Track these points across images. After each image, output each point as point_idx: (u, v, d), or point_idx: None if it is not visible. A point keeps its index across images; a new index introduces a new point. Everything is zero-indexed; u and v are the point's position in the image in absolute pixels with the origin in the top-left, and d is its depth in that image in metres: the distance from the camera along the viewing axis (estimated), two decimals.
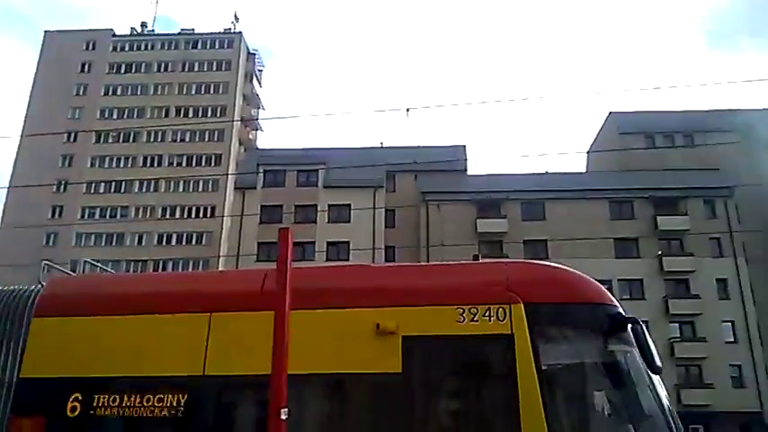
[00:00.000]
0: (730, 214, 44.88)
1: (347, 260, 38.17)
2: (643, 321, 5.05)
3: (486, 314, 4.87)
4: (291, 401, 5.37)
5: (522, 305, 4.86)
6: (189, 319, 5.20)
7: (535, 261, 5.71)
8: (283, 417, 3.50)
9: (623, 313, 5.08)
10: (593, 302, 5.13)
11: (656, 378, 4.94)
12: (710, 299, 41.12)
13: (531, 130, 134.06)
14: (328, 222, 44.28)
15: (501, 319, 4.84)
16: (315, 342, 5.01)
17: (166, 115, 62.44)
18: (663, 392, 4.97)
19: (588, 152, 57.45)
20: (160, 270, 51.34)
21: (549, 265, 5.57)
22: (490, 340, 4.84)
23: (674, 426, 4.81)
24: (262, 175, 46.11)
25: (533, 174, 48.95)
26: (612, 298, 5.26)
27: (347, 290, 5.35)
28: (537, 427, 4.51)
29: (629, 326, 4.92)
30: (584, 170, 56.07)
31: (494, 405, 4.98)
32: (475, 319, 4.87)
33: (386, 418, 4.92)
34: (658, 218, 44.57)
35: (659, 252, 42.73)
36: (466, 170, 49.61)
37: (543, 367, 4.69)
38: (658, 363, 4.84)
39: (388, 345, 4.87)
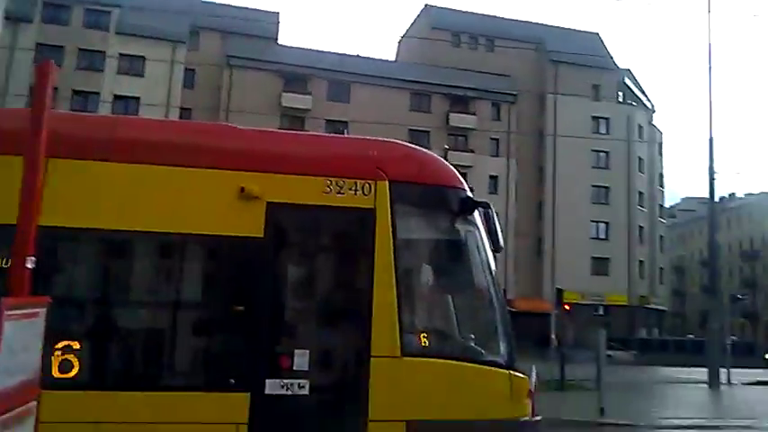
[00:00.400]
0: (511, 118, 49.56)
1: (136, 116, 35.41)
2: None
3: (353, 188, 4.95)
4: (146, 258, 5.11)
5: (386, 182, 5.00)
6: (21, 162, 4.56)
7: (401, 142, 5.80)
8: (29, 265, 3.27)
9: (473, 198, 5.41)
10: (450, 186, 5.40)
11: (491, 258, 5.43)
12: (482, 193, 45.71)
13: (350, 9, 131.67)
14: (118, 73, 40.28)
15: (366, 193, 4.95)
16: (174, 200, 4.79)
17: None
18: (494, 269, 5.49)
19: (399, 42, 58.44)
20: None
21: (413, 147, 5.71)
22: (354, 213, 4.95)
23: (500, 295, 5.51)
24: (40, 6, 39.88)
25: (343, 54, 48.78)
26: (464, 182, 5.58)
27: (211, 149, 5.04)
28: (388, 294, 4.81)
29: (480, 209, 5.33)
30: (393, 59, 57.09)
31: (351, 273, 5.20)
32: (341, 191, 4.94)
33: (245, 282, 4.87)
34: (451, 114, 47.72)
35: (446, 146, 46.05)
36: (276, 39, 47.77)
37: (399, 241, 4.93)
38: (501, 243, 5.33)
39: (252, 209, 4.79)
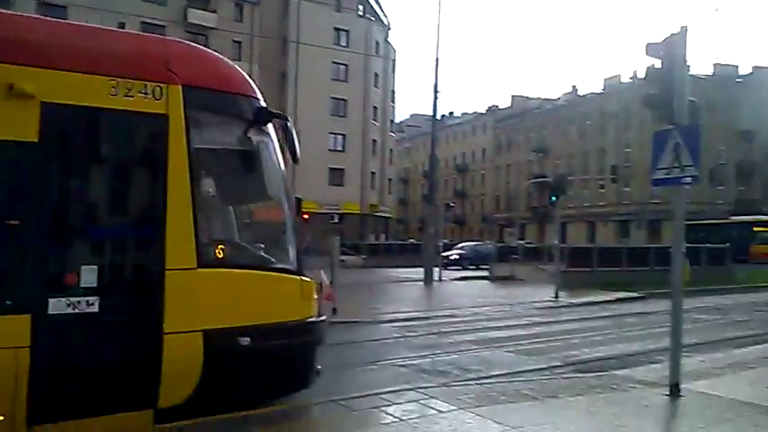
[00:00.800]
0: (254, 21, 47.83)
1: None
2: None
3: (143, 91, 4.59)
4: None
5: (180, 87, 4.71)
6: None
7: (196, 44, 5.57)
8: None
9: (270, 109, 5.40)
10: (246, 94, 5.31)
11: (284, 169, 5.57)
12: None
13: None
14: None
15: (157, 97, 4.62)
16: None
17: None
18: (287, 179, 5.68)
19: None
20: None
21: (207, 51, 5.48)
22: (144, 118, 4.62)
23: (291, 205, 5.74)
24: None
25: None
26: (259, 92, 5.48)
27: None
28: (182, 205, 4.63)
29: (278, 120, 5.41)
30: None
31: (143, 183, 4.89)
32: (130, 94, 4.53)
33: (18, 192, 4.30)
34: (189, 9, 44.40)
35: None
36: None
37: (194, 150, 4.73)
38: (299, 155, 5.42)
39: (23, 110, 4.19)
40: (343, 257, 21.29)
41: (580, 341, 11.25)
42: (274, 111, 5.49)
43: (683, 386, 6.39)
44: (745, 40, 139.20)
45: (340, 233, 26.30)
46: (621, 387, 6.83)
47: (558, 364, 9.08)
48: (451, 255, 36.77)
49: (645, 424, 5.63)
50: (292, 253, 5.54)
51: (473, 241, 47.96)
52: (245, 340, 4.84)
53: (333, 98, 52.51)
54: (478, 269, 32.59)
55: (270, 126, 5.47)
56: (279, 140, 5.54)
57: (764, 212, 48.55)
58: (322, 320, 5.75)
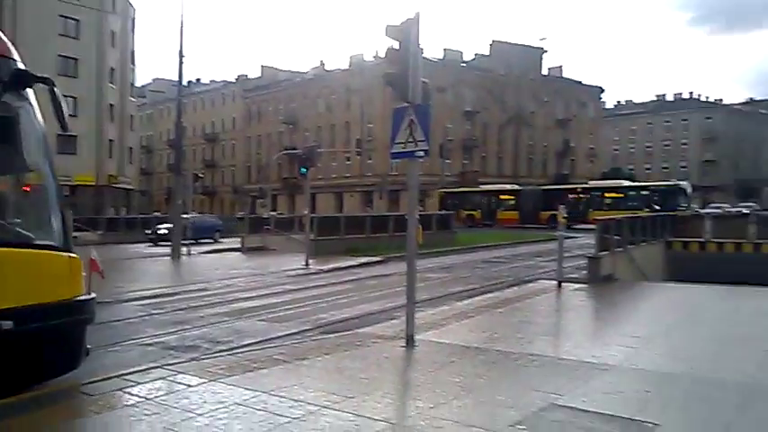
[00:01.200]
0: None
1: None
2: None
3: None
4: None
5: None
6: None
7: None
8: None
9: (32, 72, 5.07)
10: (3, 55, 4.96)
11: (47, 138, 5.32)
12: None
13: None
14: None
15: None
16: None
17: None
18: (51, 148, 5.43)
19: None
20: None
21: None
22: None
23: (56, 177, 5.46)
24: None
25: None
26: (16, 53, 5.09)
27: None
28: None
29: (39, 85, 5.09)
30: None
31: None
32: None
33: None
34: None
35: None
36: None
37: None
38: (67, 122, 5.21)
39: None
40: (76, 234, 19.32)
41: (328, 305, 11.86)
42: (37, 74, 5.08)
43: (417, 337, 7.17)
44: (469, 28, 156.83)
45: (72, 207, 23.72)
46: (365, 343, 7.40)
47: (309, 327, 9.48)
48: (160, 229, 32.63)
49: (385, 374, 6.20)
50: (58, 228, 5.16)
51: (205, 213, 46.72)
52: (7, 324, 4.48)
53: (61, 56, 46.53)
54: (197, 243, 31.38)
55: (30, 91, 5.08)
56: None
57: (483, 183, 55.81)
58: (92, 298, 5.46)
